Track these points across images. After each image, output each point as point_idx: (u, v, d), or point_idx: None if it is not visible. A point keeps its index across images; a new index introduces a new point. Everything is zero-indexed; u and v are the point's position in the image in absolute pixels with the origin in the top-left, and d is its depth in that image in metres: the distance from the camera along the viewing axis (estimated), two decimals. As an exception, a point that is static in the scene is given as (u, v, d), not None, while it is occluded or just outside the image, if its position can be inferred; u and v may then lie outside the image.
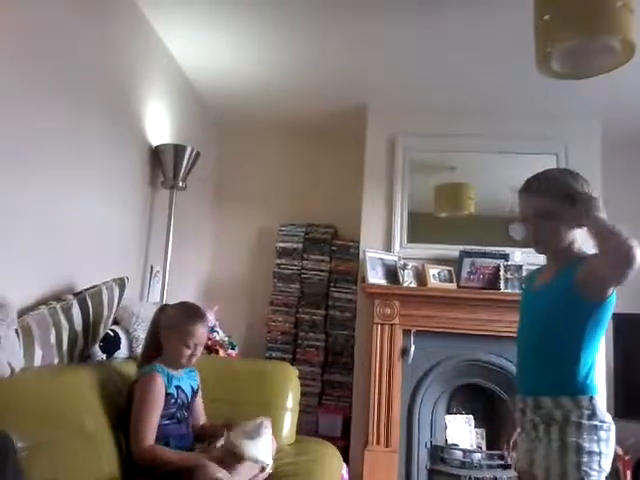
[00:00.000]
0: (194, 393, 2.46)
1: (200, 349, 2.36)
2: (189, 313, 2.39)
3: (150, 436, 2.16)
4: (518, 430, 1.96)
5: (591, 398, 1.73)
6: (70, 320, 2.30)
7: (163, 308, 2.46)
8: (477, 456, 3.80)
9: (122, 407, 2.25)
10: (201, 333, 2.35)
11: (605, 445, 1.69)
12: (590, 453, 1.66)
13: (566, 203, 1.75)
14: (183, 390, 2.37)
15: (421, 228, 4.23)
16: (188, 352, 2.31)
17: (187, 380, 2.43)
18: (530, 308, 1.94)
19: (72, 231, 2.61)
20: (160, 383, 2.24)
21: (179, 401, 2.32)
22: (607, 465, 1.68)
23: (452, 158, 4.29)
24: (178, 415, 2.32)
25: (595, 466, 1.66)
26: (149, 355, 2.39)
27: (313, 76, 3.94)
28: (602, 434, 1.68)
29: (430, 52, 3.51)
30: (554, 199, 1.77)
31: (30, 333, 2.07)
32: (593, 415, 1.71)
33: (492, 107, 4.13)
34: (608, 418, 1.73)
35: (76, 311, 2.34)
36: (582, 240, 1.84)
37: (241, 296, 4.76)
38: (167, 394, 2.27)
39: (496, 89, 3.90)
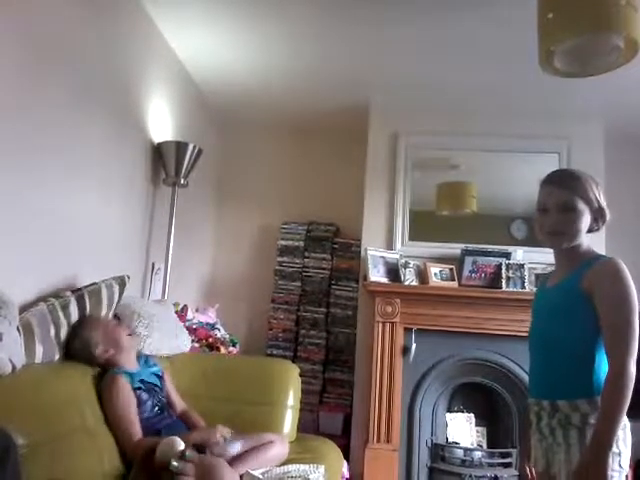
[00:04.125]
0: (160, 378, 2.52)
1: (125, 328, 2.48)
2: (84, 324, 2.37)
3: (136, 431, 2.19)
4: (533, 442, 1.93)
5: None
6: (68, 317, 2.30)
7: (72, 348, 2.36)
8: (478, 454, 3.80)
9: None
10: (108, 322, 2.45)
11: (623, 444, 1.68)
12: (611, 454, 1.62)
13: (588, 206, 1.80)
14: (148, 381, 2.42)
15: (423, 226, 4.22)
16: (119, 339, 2.38)
17: (147, 370, 2.48)
18: (542, 308, 1.93)
19: (73, 228, 2.61)
20: (123, 382, 2.26)
21: (150, 390, 2.37)
22: (626, 463, 1.67)
23: (454, 156, 4.28)
24: (158, 403, 2.36)
25: (616, 466, 1.64)
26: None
27: (315, 73, 3.93)
28: (620, 433, 1.65)
29: (432, 50, 3.49)
30: (582, 198, 1.79)
31: (31, 330, 2.07)
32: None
33: (494, 106, 4.12)
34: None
35: (74, 308, 2.34)
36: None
37: (242, 294, 4.77)
38: (135, 389, 2.29)
39: (498, 87, 3.88)
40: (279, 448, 2.52)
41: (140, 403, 2.28)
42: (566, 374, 1.77)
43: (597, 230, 1.86)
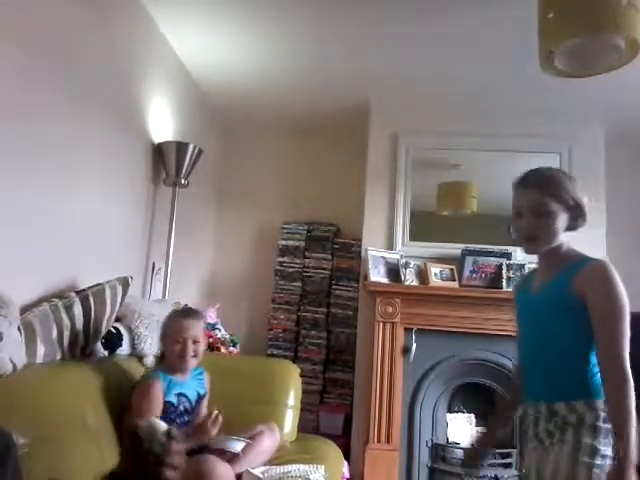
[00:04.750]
0: (200, 398, 2.47)
1: (196, 347, 2.38)
2: (175, 313, 2.50)
3: None
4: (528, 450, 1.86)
5: (605, 400, 1.66)
6: (71, 318, 2.30)
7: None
8: (478, 455, 3.79)
9: (124, 403, 2.25)
10: (186, 326, 2.37)
11: None
12: (604, 457, 1.60)
13: (563, 206, 1.74)
14: (187, 396, 2.38)
15: (423, 226, 4.22)
16: (178, 347, 2.34)
17: (193, 385, 2.44)
18: (530, 312, 1.87)
19: (74, 228, 2.61)
20: (157, 390, 2.26)
21: (180, 408, 2.34)
22: None
23: (455, 156, 4.28)
24: (178, 421, 2.32)
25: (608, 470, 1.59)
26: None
27: (315, 73, 3.93)
28: None
29: (432, 50, 3.50)
30: (554, 198, 1.73)
31: (32, 330, 2.07)
32: (609, 418, 1.63)
33: (495, 105, 4.12)
34: None
35: (78, 309, 2.34)
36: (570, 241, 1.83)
37: (243, 294, 4.77)
38: (166, 402, 2.28)
39: (499, 87, 3.89)
40: (269, 438, 2.52)
41: (164, 414, 2.26)
42: (562, 376, 1.73)
43: (578, 227, 1.79)
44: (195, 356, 2.38)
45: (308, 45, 3.55)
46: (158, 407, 2.23)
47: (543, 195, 1.74)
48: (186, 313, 2.48)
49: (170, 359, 2.37)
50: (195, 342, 2.38)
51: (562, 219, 1.75)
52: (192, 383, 2.43)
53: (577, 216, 1.76)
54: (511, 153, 4.18)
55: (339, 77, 3.96)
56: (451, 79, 3.85)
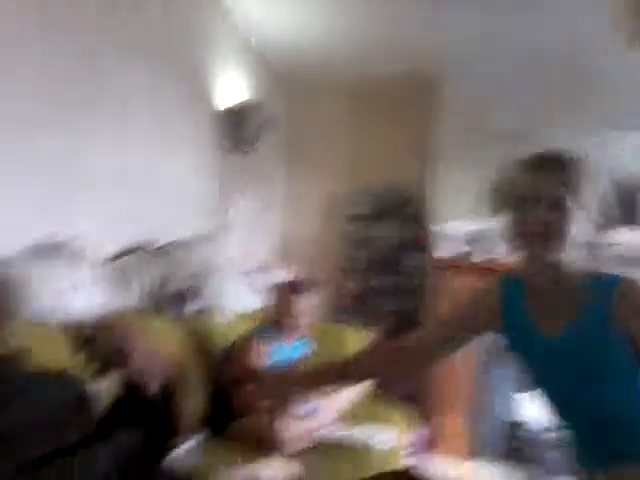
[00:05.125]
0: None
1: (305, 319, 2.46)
2: (285, 284, 2.56)
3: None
4: None
5: None
6: (152, 272, 2.40)
7: None
8: (551, 435, 3.68)
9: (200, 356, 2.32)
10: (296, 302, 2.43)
11: None
12: None
13: (576, 208, 1.32)
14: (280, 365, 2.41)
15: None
16: (294, 306, 2.41)
17: (295, 352, 2.48)
18: (557, 362, 1.42)
19: (156, 190, 2.85)
20: (254, 353, 2.29)
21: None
22: None
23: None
24: None
25: None
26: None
27: (389, 38, 3.86)
28: None
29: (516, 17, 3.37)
30: (575, 196, 1.32)
31: (114, 281, 2.15)
32: None
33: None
34: None
35: (158, 264, 2.44)
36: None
37: (311, 260, 4.76)
38: None
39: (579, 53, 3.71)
40: (339, 395, 2.53)
41: None
42: (626, 437, 1.36)
43: None
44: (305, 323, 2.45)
45: (377, 11, 3.48)
46: (261, 365, 2.27)
47: (564, 186, 1.32)
48: (294, 287, 2.51)
49: (279, 322, 2.42)
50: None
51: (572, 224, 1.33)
52: (295, 349, 2.47)
53: None
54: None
55: (409, 43, 3.88)
56: (531, 51, 3.69)
